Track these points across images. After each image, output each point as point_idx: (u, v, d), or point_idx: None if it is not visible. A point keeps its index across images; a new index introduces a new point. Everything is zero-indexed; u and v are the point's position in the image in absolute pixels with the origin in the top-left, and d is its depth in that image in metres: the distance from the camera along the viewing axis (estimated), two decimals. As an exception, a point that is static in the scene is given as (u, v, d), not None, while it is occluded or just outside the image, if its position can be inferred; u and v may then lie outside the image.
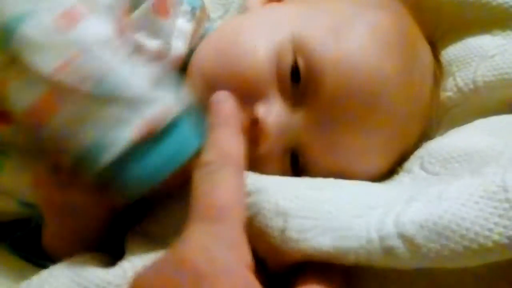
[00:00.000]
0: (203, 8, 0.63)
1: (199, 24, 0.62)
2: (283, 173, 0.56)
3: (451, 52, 0.67)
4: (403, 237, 0.43)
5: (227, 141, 0.48)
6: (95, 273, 0.49)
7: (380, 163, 0.58)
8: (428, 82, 0.63)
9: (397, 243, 0.43)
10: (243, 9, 0.69)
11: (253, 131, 0.53)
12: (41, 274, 0.50)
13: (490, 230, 0.42)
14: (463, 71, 0.64)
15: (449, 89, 0.65)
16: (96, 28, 0.49)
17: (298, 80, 0.55)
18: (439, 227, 0.43)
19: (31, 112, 0.48)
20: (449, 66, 0.66)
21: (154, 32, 0.57)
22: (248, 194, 0.48)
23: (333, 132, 0.55)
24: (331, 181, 0.52)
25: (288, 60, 0.55)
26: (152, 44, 0.57)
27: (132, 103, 0.47)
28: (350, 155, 0.56)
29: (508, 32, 0.66)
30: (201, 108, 0.52)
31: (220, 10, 0.74)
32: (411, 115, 0.59)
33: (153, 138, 0.48)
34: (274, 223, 0.46)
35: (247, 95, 0.54)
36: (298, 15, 0.59)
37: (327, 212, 0.46)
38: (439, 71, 0.66)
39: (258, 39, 0.56)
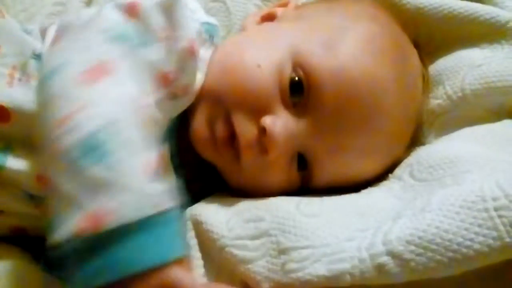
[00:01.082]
0: (218, 34, 0.66)
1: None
2: (291, 176, 0.61)
3: (442, 63, 0.71)
4: (391, 254, 0.47)
5: None
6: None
7: (380, 160, 0.62)
8: (419, 84, 0.67)
9: (386, 260, 0.47)
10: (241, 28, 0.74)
11: (262, 141, 0.58)
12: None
13: (471, 240, 0.46)
14: (452, 80, 0.68)
15: (439, 97, 0.68)
16: (119, 87, 0.49)
17: (299, 92, 0.59)
18: (424, 241, 0.47)
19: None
20: (439, 76, 0.69)
21: (184, 69, 0.58)
22: (253, 238, 0.53)
23: (336, 135, 0.59)
24: (325, 204, 0.56)
25: (287, 76, 0.59)
26: (181, 81, 0.58)
27: (98, 183, 0.44)
28: (353, 154, 0.60)
29: (495, 45, 0.69)
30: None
31: (223, 30, 0.78)
32: (407, 115, 0.63)
33: (98, 235, 0.43)
34: (278, 260, 0.51)
35: (254, 109, 0.58)
36: (294, 33, 0.63)
37: (322, 238, 0.50)
38: (425, 78, 0.70)
39: (260, 59, 0.60)
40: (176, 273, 0.44)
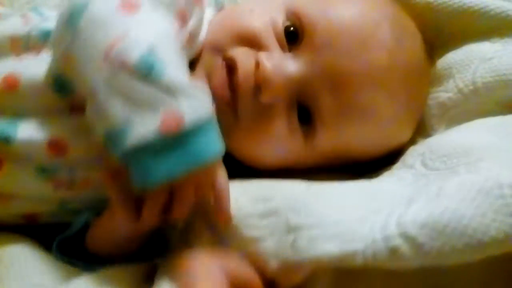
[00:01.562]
0: (224, 6, 0.70)
1: None
2: (292, 130, 0.60)
3: (451, 57, 0.70)
4: (405, 237, 0.46)
5: None
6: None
7: (385, 120, 0.61)
8: (419, 42, 0.67)
9: (400, 242, 0.46)
10: None
11: (257, 78, 0.58)
12: (76, 283, 0.53)
13: (487, 226, 0.45)
14: (463, 73, 0.67)
15: (449, 90, 0.67)
16: (153, 18, 0.53)
17: (294, 41, 0.60)
18: (439, 225, 0.46)
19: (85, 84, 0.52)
20: (449, 69, 0.69)
21: (192, 15, 0.60)
22: (262, 216, 0.52)
23: (331, 73, 0.58)
24: (336, 186, 0.55)
25: (280, 23, 0.61)
26: (186, 29, 0.60)
27: (169, 90, 0.49)
28: (350, 94, 0.59)
29: (506, 39, 0.68)
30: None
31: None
32: (407, 61, 0.62)
33: (179, 133, 0.49)
34: (287, 238, 0.50)
35: (252, 45, 0.60)
36: None
37: (333, 219, 0.49)
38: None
39: (252, 7, 0.64)
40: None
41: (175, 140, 0.49)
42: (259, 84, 0.58)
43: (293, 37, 0.61)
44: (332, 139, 0.61)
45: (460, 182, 0.49)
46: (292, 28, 0.61)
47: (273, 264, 0.49)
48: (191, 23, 0.60)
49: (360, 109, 0.60)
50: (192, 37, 0.61)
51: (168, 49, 0.51)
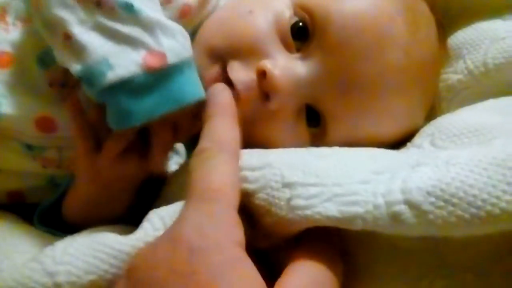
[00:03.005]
0: None
1: None
2: (299, 133, 0.56)
3: (461, 36, 0.67)
4: (409, 203, 0.43)
5: (223, 129, 0.49)
6: (118, 239, 0.48)
7: (400, 111, 0.58)
8: (433, 28, 0.63)
9: (403, 209, 0.43)
10: None
11: (262, 86, 0.54)
12: (65, 240, 0.50)
13: (498, 197, 0.42)
14: (473, 54, 0.64)
15: (459, 72, 0.64)
16: None
17: (303, 37, 0.56)
18: (446, 193, 0.43)
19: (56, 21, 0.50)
20: (458, 50, 0.66)
21: None
22: (254, 169, 0.48)
23: (345, 75, 0.55)
24: (335, 149, 0.52)
25: (286, 20, 0.56)
26: None
27: (150, 28, 0.49)
28: (367, 97, 0.55)
29: (519, 16, 0.65)
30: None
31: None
32: (420, 53, 0.58)
33: (161, 70, 0.49)
34: (281, 194, 0.46)
35: (250, 56, 0.55)
36: None
37: (333, 178, 0.46)
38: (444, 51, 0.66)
39: (252, 6, 0.58)
40: None
41: (157, 77, 0.49)
42: (266, 92, 0.54)
43: (301, 33, 0.56)
44: (342, 139, 0.57)
45: (472, 152, 0.46)
46: (301, 24, 0.56)
47: (268, 220, 0.46)
48: None
49: (374, 111, 0.56)
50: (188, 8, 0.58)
51: None
